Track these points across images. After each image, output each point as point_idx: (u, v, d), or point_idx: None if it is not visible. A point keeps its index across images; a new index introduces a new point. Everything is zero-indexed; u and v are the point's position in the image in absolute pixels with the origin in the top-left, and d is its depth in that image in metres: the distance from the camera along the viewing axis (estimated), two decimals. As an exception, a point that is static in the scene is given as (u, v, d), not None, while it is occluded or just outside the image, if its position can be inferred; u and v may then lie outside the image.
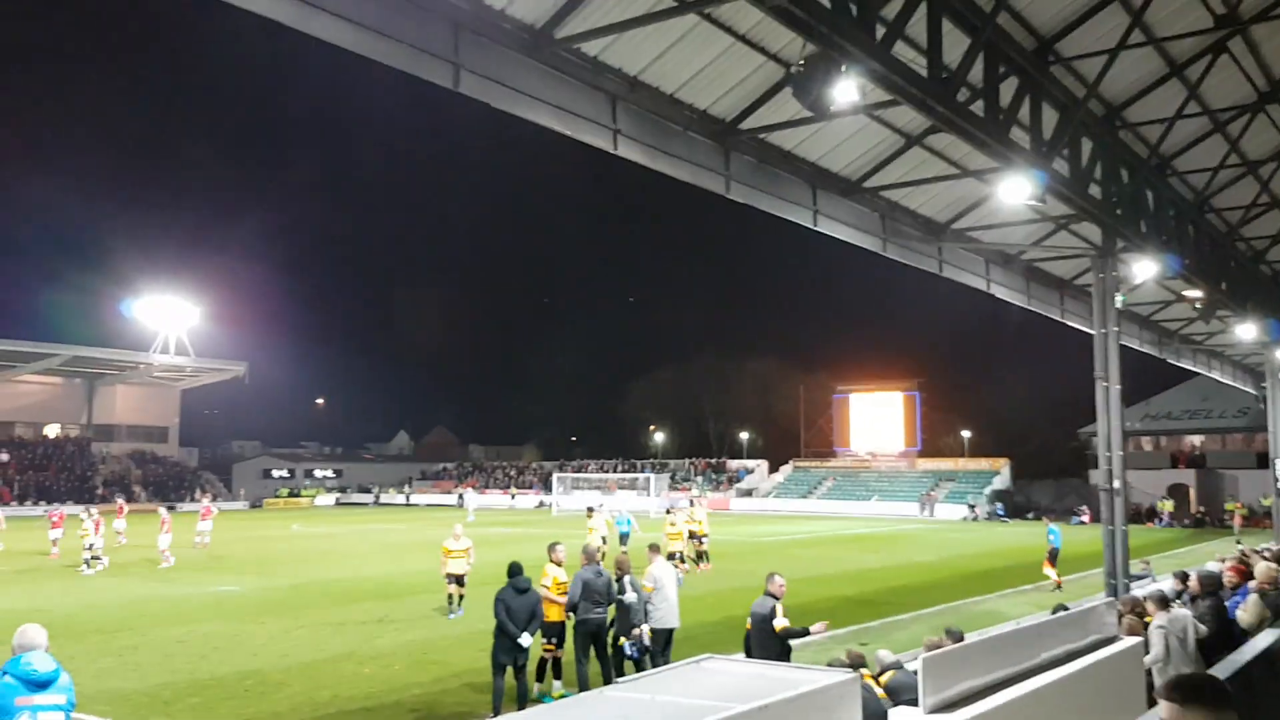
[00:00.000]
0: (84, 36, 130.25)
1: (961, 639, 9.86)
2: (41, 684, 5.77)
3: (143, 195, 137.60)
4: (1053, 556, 23.27)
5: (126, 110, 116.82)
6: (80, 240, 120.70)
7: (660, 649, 11.99)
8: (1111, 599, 15.85)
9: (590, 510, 26.45)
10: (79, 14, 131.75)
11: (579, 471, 77.11)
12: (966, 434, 78.74)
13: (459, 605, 18.56)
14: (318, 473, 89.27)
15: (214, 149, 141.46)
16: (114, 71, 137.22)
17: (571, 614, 11.74)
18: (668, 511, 27.71)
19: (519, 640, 10.87)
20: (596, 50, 11.38)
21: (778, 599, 10.15)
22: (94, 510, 27.86)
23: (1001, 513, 58.27)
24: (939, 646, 9.20)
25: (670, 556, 20.46)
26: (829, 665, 8.57)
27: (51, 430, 73.38)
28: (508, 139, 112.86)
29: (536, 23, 10.61)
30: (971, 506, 59.20)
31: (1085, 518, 54.32)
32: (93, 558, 26.31)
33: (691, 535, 26.26)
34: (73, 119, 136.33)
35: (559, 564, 12.44)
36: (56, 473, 66.45)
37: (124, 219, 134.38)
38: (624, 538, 26.92)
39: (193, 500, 62.49)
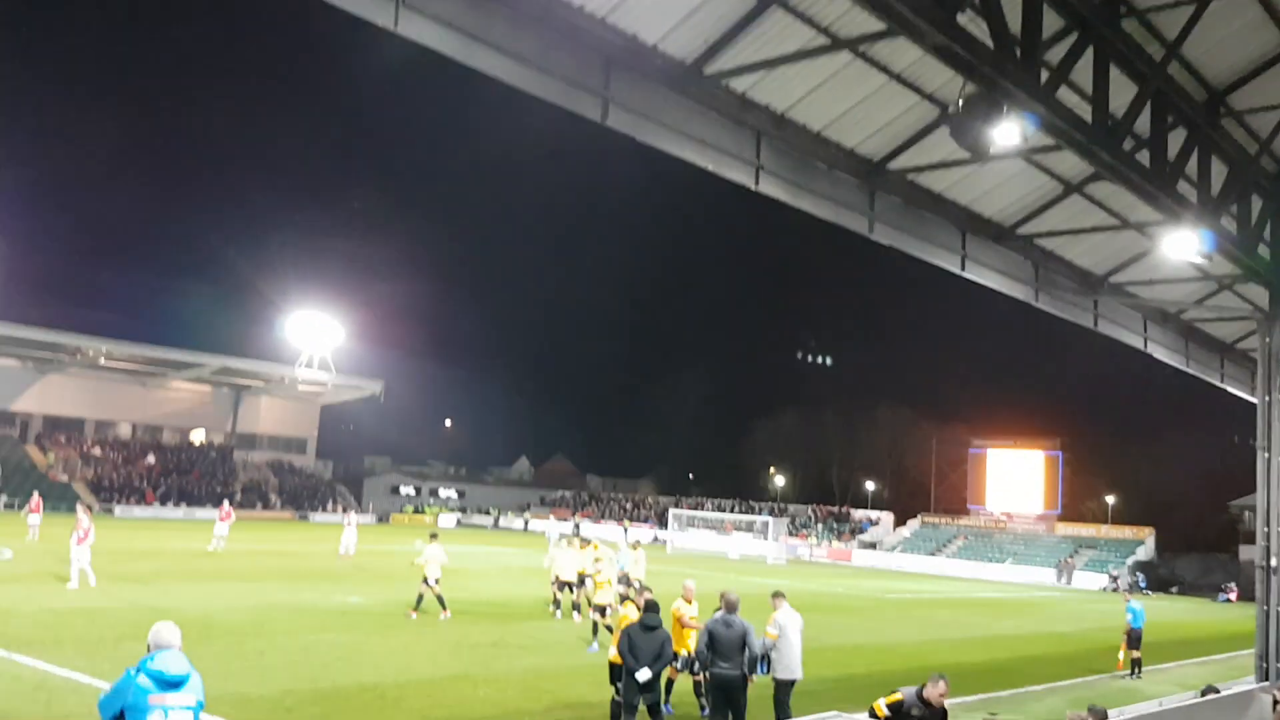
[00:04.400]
0: (257, 59, 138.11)
1: (1105, 717, 9.23)
2: (174, 684, 5.83)
3: (299, 219, 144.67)
4: (1132, 640, 20.30)
5: (292, 136, 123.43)
6: (238, 258, 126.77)
7: (783, 700, 11.58)
8: (1266, 684, 14.73)
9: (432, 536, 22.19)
10: (256, 43, 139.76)
11: (695, 509, 76.53)
12: (1110, 500, 74.87)
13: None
14: (442, 492, 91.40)
15: (370, 176, 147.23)
16: (280, 94, 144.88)
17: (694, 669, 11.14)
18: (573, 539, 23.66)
19: (637, 675, 10.53)
20: (744, 87, 11.29)
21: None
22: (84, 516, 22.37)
23: (1144, 585, 55.07)
24: (1083, 725, 8.62)
25: (602, 612, 18.27)
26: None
27: (197, 436, 76.97)
28: (658, 176, 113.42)
29: (687, 59, 10.58)
30: (1113, 577, 56.09)
31: (1232, 595, 51.43)
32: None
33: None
34: (241, 142, 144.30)
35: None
36: (199, 477, 69.63)
37: (281, 241, 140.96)
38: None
39: (324, 510, 64.70)
